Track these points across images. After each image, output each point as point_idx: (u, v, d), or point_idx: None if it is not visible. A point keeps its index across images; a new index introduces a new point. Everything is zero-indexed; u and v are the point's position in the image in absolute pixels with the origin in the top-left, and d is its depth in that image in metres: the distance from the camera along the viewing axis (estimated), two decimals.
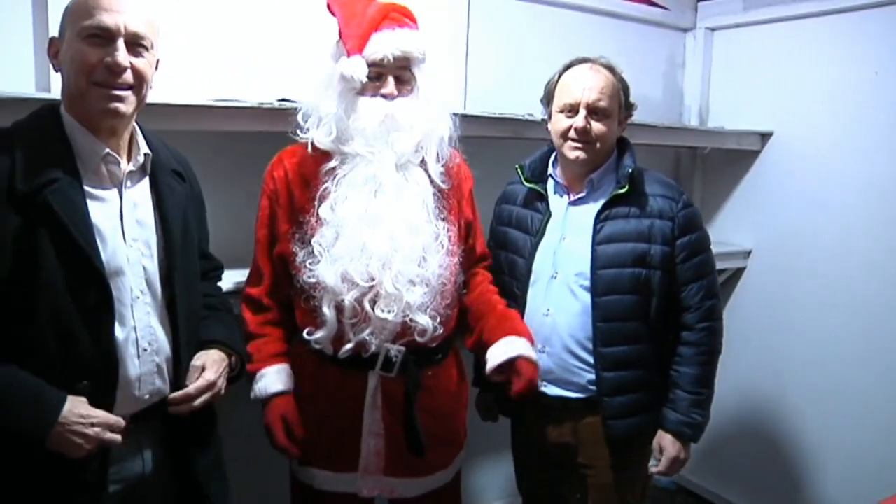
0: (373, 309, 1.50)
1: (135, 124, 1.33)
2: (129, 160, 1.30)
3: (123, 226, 1.27)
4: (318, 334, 1.56)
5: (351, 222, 1.50)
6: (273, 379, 1.59)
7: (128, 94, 1.23)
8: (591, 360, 1.73)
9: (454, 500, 1.79)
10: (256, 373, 1.59)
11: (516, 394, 1.53)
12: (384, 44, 1.50)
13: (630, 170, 1.72)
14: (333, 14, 1.57)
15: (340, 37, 1.55)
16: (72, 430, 1.14)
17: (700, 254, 1.75)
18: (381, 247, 1.49)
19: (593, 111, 1.69)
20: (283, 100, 1.82)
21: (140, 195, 1.32)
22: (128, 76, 1.22)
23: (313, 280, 1.52)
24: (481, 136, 2.02)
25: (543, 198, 1.81)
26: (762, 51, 2.74)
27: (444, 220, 1.60)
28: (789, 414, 2.68)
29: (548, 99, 1.79)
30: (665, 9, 2.85)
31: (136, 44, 1.22)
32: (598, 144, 1.71)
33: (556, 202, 1.81)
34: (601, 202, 1.74)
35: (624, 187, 1.71)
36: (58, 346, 1.18)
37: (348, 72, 1.50)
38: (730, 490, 2.91)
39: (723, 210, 2.94)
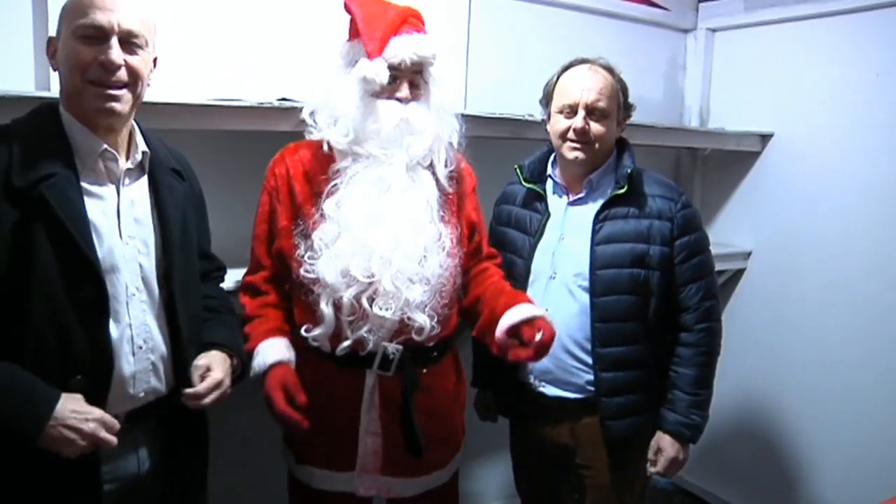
0: (371, 306, 1.51)
1: (133, 122, 1.33)
2: (127, 158, 1.30)
3: (120, 223, 1.26)
4: (316, 331, 1.55)
5: (355, 220, 1.51)
6: (269, 352, 1.55)
7: (123, 92, 1.23)
8: (589, 360, 1.73)
9: (452, 499, 1.79)
10: (253, 352, 1.55)
11: (536, 349, 1.49)
12: (403, 48, 1.50)
13: (629, 170, 1.73)
14: (350, 13, 1.57)
15: (359, 37, 1.54)
16: (66, 424, 1.13)
17: (699, 254, 1.75)
18: (383, 245, 1.50)
19: (592, 112, 1.69)
20: (283, 99, 1.82)
21: (138, 193, 1.32)
22: (122, 74, 1.22)
23: (312, 276, 1.52)
24: (481, 137, 2.02)
25: (542, 198, 1.82)
26: (763, 52, 2.74)
27: (446, 222, 1.60)
28: (789, 414, 2.68)
29: (547, 100, 1.79)
30: (666, 9, 2.85)
31: (130, 42, 1.23)
32: (596, 145, 1.71)
33: (555, 202, 1.81)
34: (600, 203, 1.74)
35: (623, 188, 1.71)
36: (52, 341, 1.18)
37: (371, 74, 1.50)
38: (728, 491, 2.91)
39: (723, 211, 2.94)
